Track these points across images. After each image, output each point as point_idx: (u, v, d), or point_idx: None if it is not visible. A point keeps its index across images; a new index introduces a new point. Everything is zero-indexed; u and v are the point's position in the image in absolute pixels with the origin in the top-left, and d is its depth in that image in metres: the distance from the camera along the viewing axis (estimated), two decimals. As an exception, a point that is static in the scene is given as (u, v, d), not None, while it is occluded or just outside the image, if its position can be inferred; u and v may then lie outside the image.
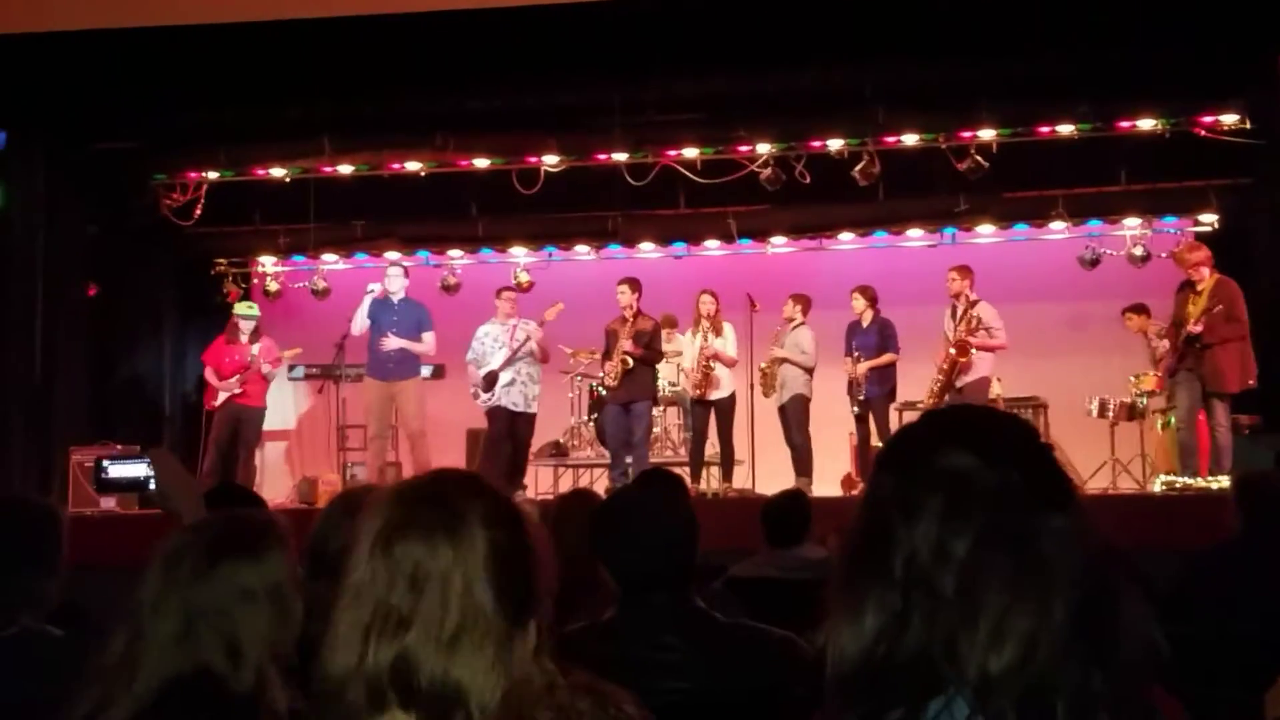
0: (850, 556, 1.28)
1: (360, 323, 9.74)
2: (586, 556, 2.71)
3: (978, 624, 1.18)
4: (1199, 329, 8.48)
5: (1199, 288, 8.70)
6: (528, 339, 9.56)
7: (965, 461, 1.25)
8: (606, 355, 9.64)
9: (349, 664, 1.34)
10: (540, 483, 10.80)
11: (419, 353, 9.80)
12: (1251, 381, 8.62)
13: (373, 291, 9.80)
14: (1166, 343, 9.05)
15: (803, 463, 9.57)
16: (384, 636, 1.32)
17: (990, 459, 1.25)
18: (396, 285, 9.85)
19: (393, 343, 9.61)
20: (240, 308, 10.53)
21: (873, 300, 9.74)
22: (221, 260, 11.97)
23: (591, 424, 10.80)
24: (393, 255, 11.60)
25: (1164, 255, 10.34)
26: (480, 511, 1.40)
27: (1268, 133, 9.66)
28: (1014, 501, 1.23)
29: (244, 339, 10.25)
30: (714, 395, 9.74)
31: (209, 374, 10.32)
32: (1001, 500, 1.22)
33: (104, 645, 1.87)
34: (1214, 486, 8.17)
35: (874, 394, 9.54)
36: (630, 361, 9.37)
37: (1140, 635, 1.22)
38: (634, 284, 9.60)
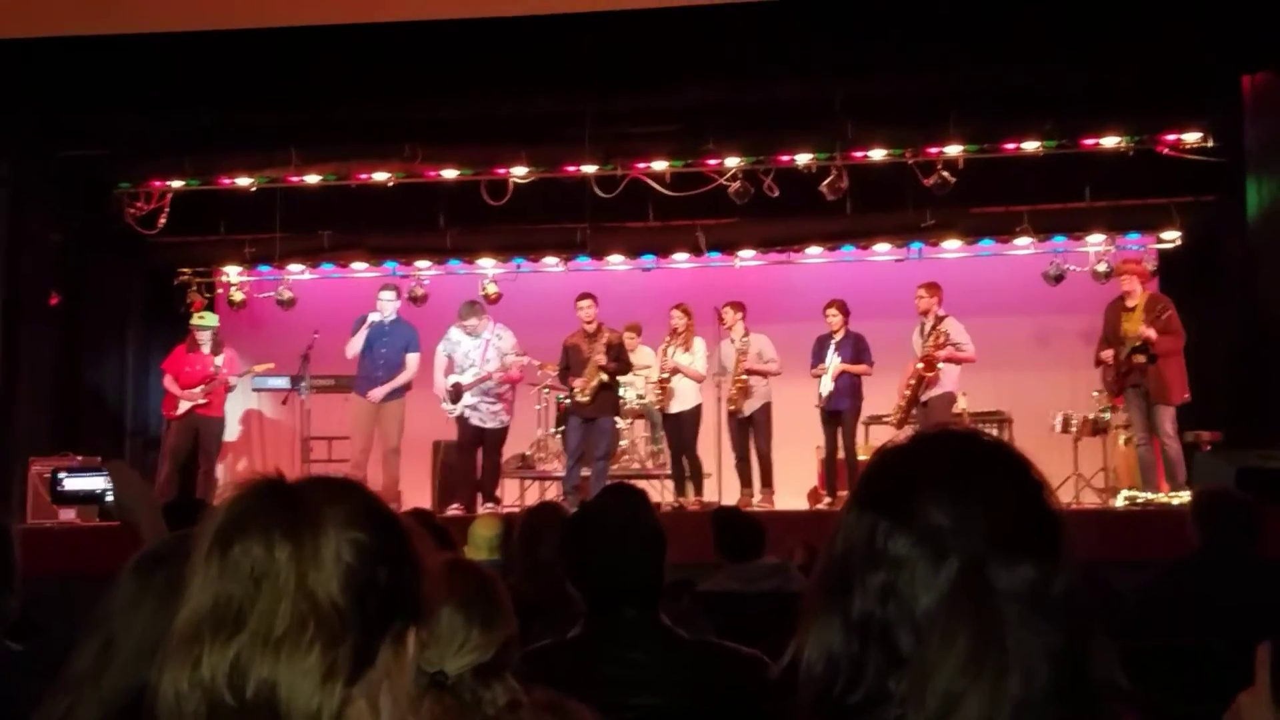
0: (816, 588, 1.26)
1: (354, 348, 9.84)
2: (560, 571, 2.70)
3: (924, 700, 1.13)
4: (1153, 334, 8.59)
5: (1129, 303, 8.86)
6: (499, 369, 9.61)
7: (940, 520, 1.20)
8: (568, 370, 9.61)
9: (182, 673, 1.19)
10: (507, 495, 10.76)
11: (403, 382, 9.83)
12: (1186, 395, 8.78)
13: (371, 323, 9.84)
14: (1110, 354, 9.06)
15: (767, 474, 9.59)
16: (217, 640, 1.17)
17: (967, 519, 1.20)
18: (389, 310, 9.90)
19: (378, 394, 9.69)
20: (197, 318, 10.46)
21: (847, 315, 9.68)
22: (186, 270, 11.84)
23: (559, 437, 10.77)
24: (359, 266, 11.55)
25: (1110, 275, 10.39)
26: (340, 514, 1.25)
27: (1230, 151, 9.78)
28: (983, 572, 1.18)
29: (205, 349, 10.18)
30: (675, 408, 9.76)
31: (168, 382, 10.23)
32: (972, 567, 1.18)
33: (67, 657, 1.84)
34: (1174, 501, 8.27)
35: (844, 406, 9.51)
36: (606, 376, 9.37)
37: (1111, 690, 1.18)
38: (594, 298, 9.62)
